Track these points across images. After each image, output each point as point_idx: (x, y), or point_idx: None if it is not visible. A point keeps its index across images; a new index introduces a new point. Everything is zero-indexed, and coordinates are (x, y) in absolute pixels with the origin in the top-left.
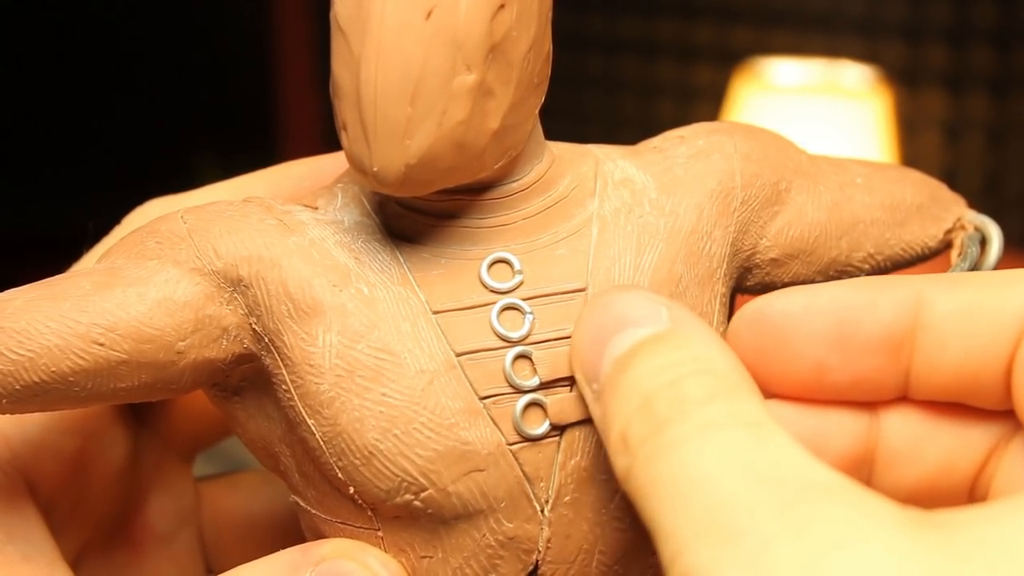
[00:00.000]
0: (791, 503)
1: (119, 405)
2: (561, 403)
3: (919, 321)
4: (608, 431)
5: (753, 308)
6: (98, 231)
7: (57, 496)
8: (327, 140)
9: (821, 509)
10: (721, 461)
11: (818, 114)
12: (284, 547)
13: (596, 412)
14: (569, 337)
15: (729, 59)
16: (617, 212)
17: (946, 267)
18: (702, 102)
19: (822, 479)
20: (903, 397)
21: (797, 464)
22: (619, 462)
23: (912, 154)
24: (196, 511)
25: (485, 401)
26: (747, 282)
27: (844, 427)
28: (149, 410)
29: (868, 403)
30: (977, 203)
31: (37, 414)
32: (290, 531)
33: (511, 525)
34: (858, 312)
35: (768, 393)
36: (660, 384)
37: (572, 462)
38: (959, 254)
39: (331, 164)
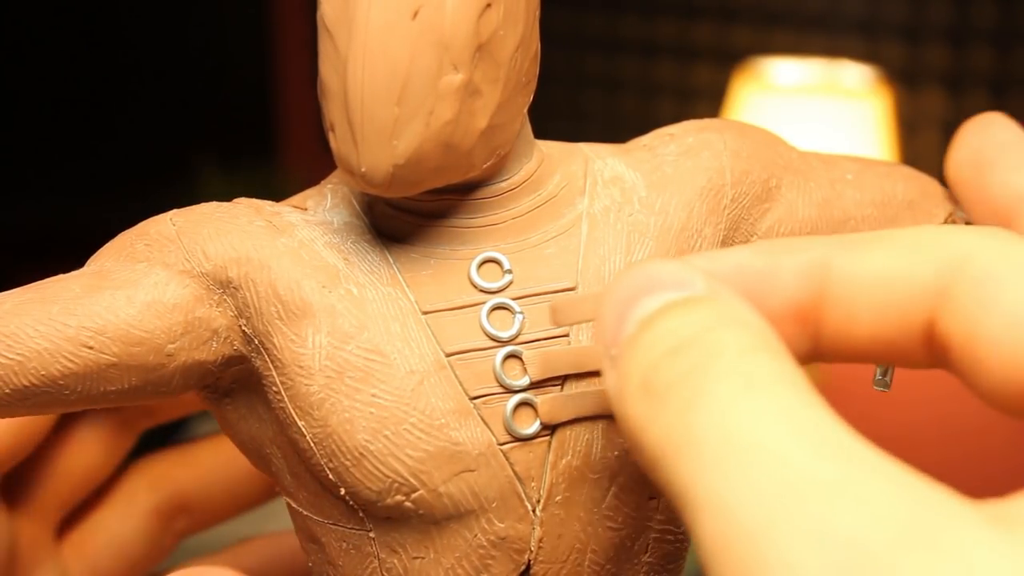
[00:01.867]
0: (862, 485)
1: None
2: (552, 403)
3: (826, 290)
4: (624, 385)
5: None
6: (102, 233)
7: None
8: (327, 141)
9: (904, 501)
10: (775, 426)
11: (818, 114)
12: None
13: (610, 380)
14: (559, 337)
15: (729, 59)
16: (607, 210)
17: None
18: (702, 102)
19: (877, 459)
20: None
21: (846, 437)
22: (637, 410)
23: (912, 154)
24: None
25: (475, 401)
26: None
27: None
28: (17, 487)
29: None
30: None
31: None
32: None
33: (503, 525)
34: (763, 278)
35: None
36: (693, 332)
37: (563, 461)
38: None
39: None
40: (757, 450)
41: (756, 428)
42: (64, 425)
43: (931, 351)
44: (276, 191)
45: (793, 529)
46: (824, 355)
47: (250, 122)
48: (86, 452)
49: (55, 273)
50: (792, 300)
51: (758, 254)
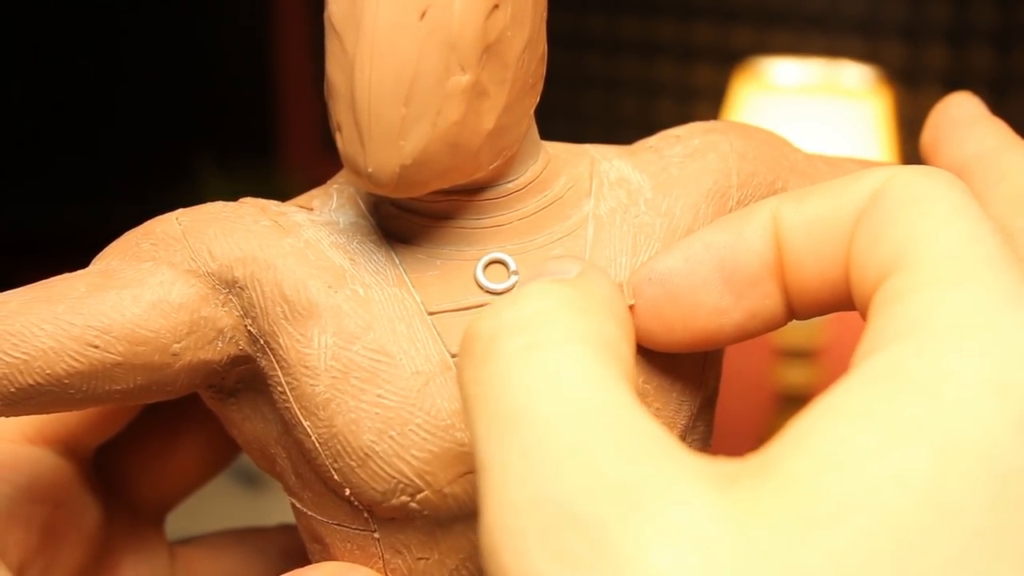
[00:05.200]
0: (590, 449)
1: (87, 473)
2: None
3: (780, 240)
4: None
5: (639, 276)
6: (103, 233)
7: (28, 561)
8: (327, 140)
9: (625, 465)
10: (537, 388)
11: (818, 114)
12: None
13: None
14: None
15: (729, 59)
16: (613, 212)
17: None
18: (702, 102)
19: (624, 423)
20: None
21: (608, 401)
22: (459, 361)
23: (912, 154)
24: (171, 573)
25: None
26: None
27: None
28: (118, 476)
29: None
30: None
31: (5, 485)
32: None
33: None
34: (732, 248)
35: (679, 351)
36: (529, 308)
37: None
38: None
39: None
40: (516, 411)
41: (521, 388)
42: (175, 425)
43: None
44: (276, 191)
45: (519, 491)
46: (795, 307)
47: (250, 122)
48: (193, 456)
49: (55, 273)
50: (763, 259)
51: (721, 229)
